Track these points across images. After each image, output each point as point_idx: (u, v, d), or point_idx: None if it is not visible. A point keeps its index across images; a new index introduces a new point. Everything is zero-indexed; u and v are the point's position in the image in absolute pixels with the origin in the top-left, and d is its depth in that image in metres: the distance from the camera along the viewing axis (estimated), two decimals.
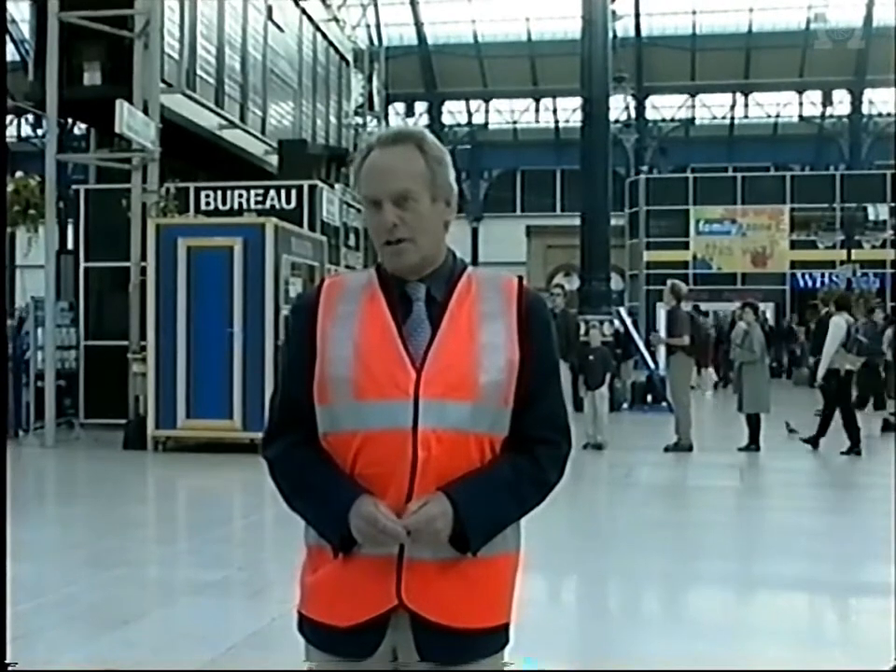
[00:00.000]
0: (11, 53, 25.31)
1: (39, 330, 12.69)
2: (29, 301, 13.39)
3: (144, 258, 11.98)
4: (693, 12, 34.99)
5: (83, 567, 6.42)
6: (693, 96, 37.70)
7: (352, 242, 16.95)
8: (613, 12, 20.87)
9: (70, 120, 20.83)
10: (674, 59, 35.53)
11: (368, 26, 32.54)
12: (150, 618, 5.37)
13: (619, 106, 32.85)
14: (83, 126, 21.12)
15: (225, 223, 12.60)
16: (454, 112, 39.09)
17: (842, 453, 11.50)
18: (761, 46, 34.96)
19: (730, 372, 19.01)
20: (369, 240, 1.99)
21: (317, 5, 20.62)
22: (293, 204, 14.60)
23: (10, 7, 25.62)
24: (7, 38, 25.31)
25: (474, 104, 38.92)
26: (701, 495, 9.89)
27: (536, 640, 4.10)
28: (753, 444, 11.79)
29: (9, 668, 3.27)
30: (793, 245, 31.30)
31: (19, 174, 14.19)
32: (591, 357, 12.09)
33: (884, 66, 28.53)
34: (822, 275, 29.99)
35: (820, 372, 11.85)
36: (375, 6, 33.48)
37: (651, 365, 17.98)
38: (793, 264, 31.17)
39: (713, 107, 38.18)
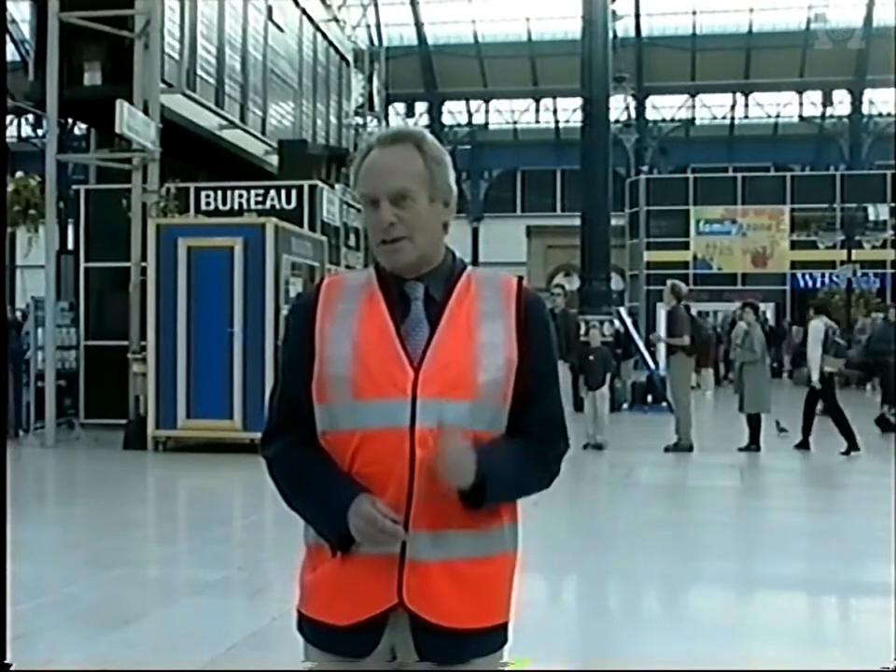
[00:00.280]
0: (11, 53, 25.31)
1: (39, 330, 12.70)
2: (29, 302, 13.40)
3: (144, 258, 11.98)
4: (694, 12, 35.01)
5: (83, 566, 6.42)
6: (693, 96, 37.71)
7: (352, 242, 16.96)
8: (613, 12, 20.88)
9: (70, 120, 20.83)
10: (674, 59, 35.54)
11: (368, 26, 32.57)
12: (150, 618, 5.37)
13: (619, 106, 32.87)
14: (83, 126, 21.14)
15: (225, 223, 12.61)
16: (454, 112, 39.11)
17: (841, 453, 11.52)
18: (761, 46, 34.98)
19: (730, 373, 19.05)
20: (369, 240, 1.99)
21: (317, 5, 20.64)
22: (293, 204, 14.60)
23: (10, 6, 25.64)
24: (7, 38, 25.31)
25: (474, 104, 38.94)
26: (701, 495, 9.89)
27: (536, 640, 4.11)
28: (754, 444, 11.79)
29: (9, 669, 3.27)
30: (794, 245, 31.30)
31: (19, 174, 14.19)
32: (591, 358, 12.10)
33: (884, 66, 28.58)
34: (823, 276, 29.98)
35: (814, 376, 11.94)
36: (375, 6, 33.50)
37: (652, 365, 17.98)
38: (794, 264, 31.17)
39: (713, 107, 38.20)
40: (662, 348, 15.78)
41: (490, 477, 1.81)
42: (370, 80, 25.75)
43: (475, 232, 37.30)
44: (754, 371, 11.97)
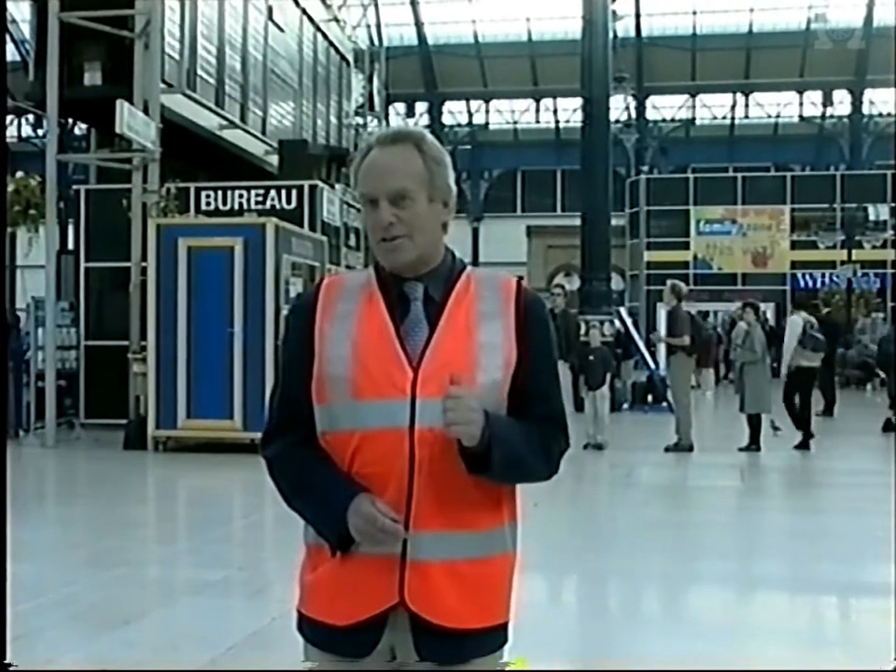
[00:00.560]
0: (11, 53, 25.30)
1: (40, 330, 12.70)
2: (29, 302, 13.40)
3: (144, 258, 11.99)
4: (694, 12, 35.00)
5: (83, 566, 6.42)
6: (693, 96, 37.70)
7: (352, 242, 16.96)
8: (614, 12, 20.87)
9: (70, 120, 20.84)
10: (674, 59, 35.54)
11: (368, 26, 32.57)
12: (150, 618, 5.38)
13: (619, 106, 32.86)
14: (83, 126, 21.15)
15: (225, 223, 12.61)
16: (454, 112, 39.09)
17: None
18: (761, 46, 34.97)
19: (730, 373, 19.04)
20: (368, 240, 1.99)
21: (318, 5, 20.64)
22: (293, 204, 14.61)
23: (10, 6, 25.61)
24: (7, 38, 25.31)
25: (474, 104, 38.93)
26: (701, 495, 9.89)
27: (536, 640, 4.11)
28: (754, 444, 11.79)
29: (9, 669, 3.27)
30: (794, 245, 31.27)
31: (19, 174, 14.18)
32: (591, 358, 12.10)
33: (884, 66, 28.55)
34: (823, 276, 29.96)
35: (783, 369, 12.43)
36: (375, 6, 33.49)
37: (652, 365, 17.98)
38: (794, 264, 31.13)
39: (713, 107, 38.19)
40: (662, 348, 15.77)
41: (496, 440, 1.80)
42: (370, 80, 25.75)
43: (475, 232, 37.30)
44: (755, 372, 11.97)
